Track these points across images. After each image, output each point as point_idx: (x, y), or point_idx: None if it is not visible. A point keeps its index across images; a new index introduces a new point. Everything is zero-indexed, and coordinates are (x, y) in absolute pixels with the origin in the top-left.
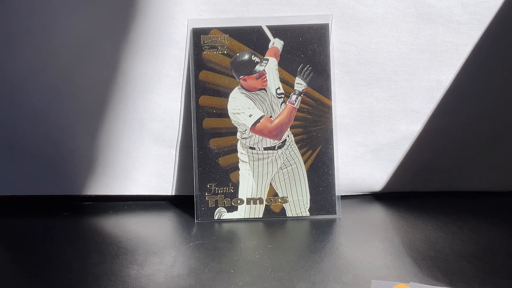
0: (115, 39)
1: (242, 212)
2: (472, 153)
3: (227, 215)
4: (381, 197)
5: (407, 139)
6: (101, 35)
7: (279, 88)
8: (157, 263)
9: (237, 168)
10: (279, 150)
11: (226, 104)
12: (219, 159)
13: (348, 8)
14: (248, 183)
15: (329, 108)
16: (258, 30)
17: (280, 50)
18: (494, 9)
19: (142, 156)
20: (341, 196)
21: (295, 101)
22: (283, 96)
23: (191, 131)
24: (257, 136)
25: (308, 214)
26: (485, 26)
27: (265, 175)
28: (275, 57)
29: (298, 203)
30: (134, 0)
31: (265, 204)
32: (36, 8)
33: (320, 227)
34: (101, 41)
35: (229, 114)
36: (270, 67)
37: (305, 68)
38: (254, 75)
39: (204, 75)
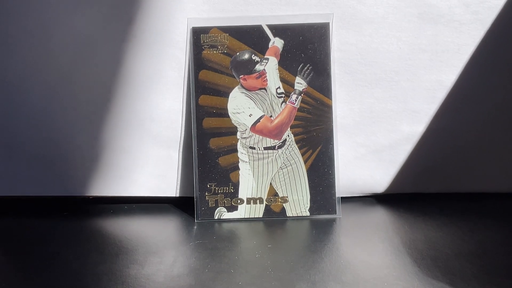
0: (114, 38)
1: (242, 212)
2: (473, 154)
3: (227, 215)
4: (381, 198)
5: (408, 140)
6: (101, 35)
7: (279, 87)
8: (157, 263)
9: (237, 168)
10: (279, 150)
11: (226, 104)
12: (219, 158)
13: (348, 7)
14: (248, 183)
15: (329, 107)
16: (258, 29)
17: (281, 49)
18: (496, 8)
19: (142, 156)
20: (342, 197)
21: (296, 100)
22: (283, 95)
23: (191, 131)
24: (257, 135)
25: (308, 214)
26: (487, 26)
27: (265, 175)
28: (275, 56)
29: (298, 203)
30: None
31: (265, 204)
32: (35, 8)
33: (320, 227)
34: (101, 41)
35: (229, 114)
36: (270, 67)
37: (306, 68)
38: (254, 74)
39: (204, 74)
